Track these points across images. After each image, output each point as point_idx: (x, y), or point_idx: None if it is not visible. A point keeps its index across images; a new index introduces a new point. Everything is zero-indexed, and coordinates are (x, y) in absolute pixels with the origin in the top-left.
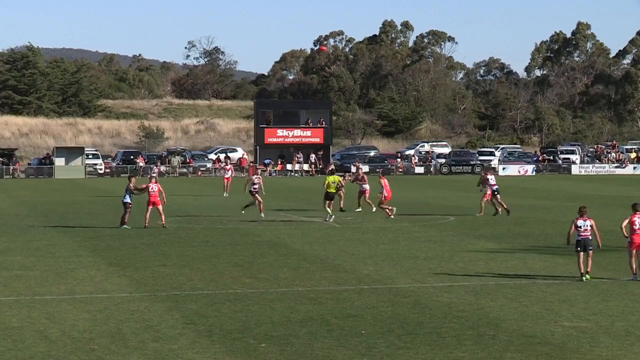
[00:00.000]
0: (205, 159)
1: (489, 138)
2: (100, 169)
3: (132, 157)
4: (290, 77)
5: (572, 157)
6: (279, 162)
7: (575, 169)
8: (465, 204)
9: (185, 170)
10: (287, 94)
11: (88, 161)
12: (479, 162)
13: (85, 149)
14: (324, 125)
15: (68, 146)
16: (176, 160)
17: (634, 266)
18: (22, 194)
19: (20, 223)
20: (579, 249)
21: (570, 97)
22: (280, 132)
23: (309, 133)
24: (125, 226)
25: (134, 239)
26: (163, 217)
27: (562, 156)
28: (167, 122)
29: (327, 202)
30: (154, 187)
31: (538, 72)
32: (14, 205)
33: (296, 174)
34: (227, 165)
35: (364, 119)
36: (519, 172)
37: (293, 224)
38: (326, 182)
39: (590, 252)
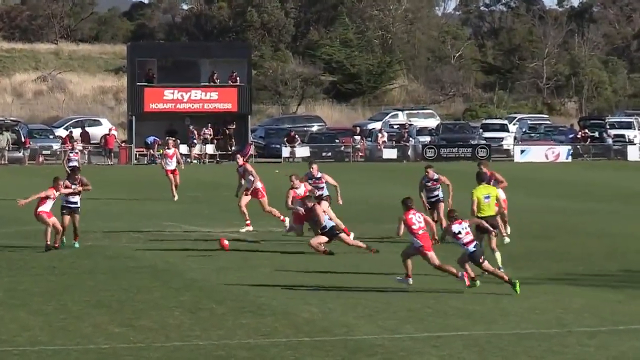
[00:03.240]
0: (51, 136)
1: (500, 103)
2: None
3: None
4: (185, 8)
5: (629, 133)
6: (168, 142)
7: (633, 153)
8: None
9: (19, 154)
10: (179, 34)
11: None
12: (485, 143)
13: None
14: (238, 83)
15: None
16: (4, 138)
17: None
18: None
19: None
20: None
21: (623, 40)
22: (169, 94)
23: (214, 95)
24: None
25: None
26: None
27: (612, 132)
28: None
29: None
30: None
31: (575, 1)
32: None
33: (195, 161)
34: (168, 148)
35: (302, 72)
36: (547, 156)
37: (191, 242)
38: (474, 198)
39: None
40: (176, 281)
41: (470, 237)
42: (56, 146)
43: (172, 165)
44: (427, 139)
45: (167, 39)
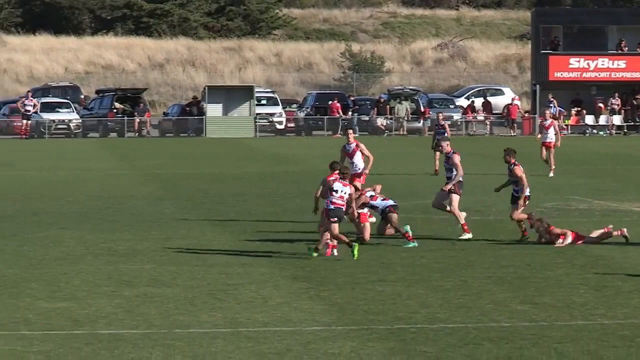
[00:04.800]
0: (452, 106)
1: None
2: (280, 123)
3: (330, 102)
4: None
5: None
6: (574, 112)
7: None
8: None
9: (418, 124)
10: (587, 1)
11: (260, 109)
12: None
13: (256, 89)
14: None
15: (228, 85)
16: (403, 108)
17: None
18: (154, 162)
19: (150, 210)
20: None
21: None
22: (575, 62)
23: (622, 64)
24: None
25: None
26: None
27: None
28: (388, 45)
29: None
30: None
31: None
32: (141, 181)
33: (601, 132)
34: (545, 120)
35: None
36: None
37: (596, 214)
38: None
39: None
40: (580, 258)
41: (342, 201)
42: (457, 116)
43: (549, 137)
44: None
45: (574, 4)
